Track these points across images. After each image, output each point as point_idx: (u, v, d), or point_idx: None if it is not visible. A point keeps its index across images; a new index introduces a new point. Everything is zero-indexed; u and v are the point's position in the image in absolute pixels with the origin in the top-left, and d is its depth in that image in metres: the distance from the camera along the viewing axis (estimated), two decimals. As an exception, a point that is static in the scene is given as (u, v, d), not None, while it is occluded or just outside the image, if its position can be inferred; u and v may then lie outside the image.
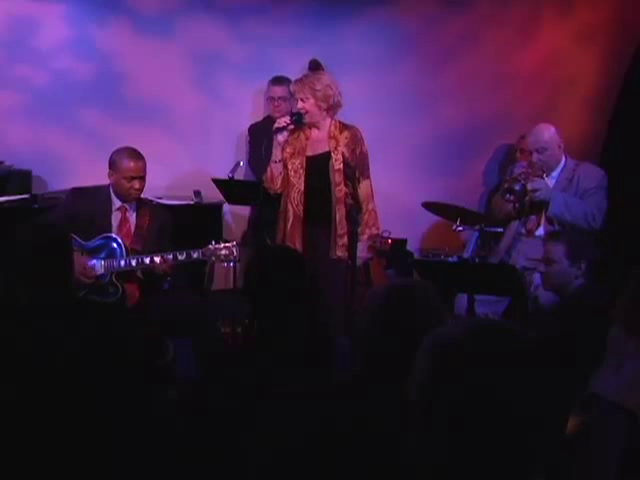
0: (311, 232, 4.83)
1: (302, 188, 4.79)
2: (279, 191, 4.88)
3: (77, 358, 2.38)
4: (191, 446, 2.47)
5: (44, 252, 2.65)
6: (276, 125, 4.84)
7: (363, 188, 4.88)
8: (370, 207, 4.89)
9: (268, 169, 4.92)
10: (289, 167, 4.82)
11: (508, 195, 4.90)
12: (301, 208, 4.80)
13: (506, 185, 4.93)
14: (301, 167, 4.81)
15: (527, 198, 4.88)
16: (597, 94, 6.53)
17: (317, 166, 4.81)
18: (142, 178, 4.60)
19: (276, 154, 4.85)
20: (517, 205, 4.95)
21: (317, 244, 4.82)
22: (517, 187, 4.85)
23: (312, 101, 4.75)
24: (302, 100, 4.76)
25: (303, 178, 4.80)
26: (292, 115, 4.88)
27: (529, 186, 4.84)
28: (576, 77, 6.56)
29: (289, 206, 4.81)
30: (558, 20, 6.51)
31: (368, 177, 4.91)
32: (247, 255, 4.85)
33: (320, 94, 4.75)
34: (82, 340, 2.42)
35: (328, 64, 5.94)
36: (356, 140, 4.85)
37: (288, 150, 4.84)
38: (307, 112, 4.76)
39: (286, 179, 4.84)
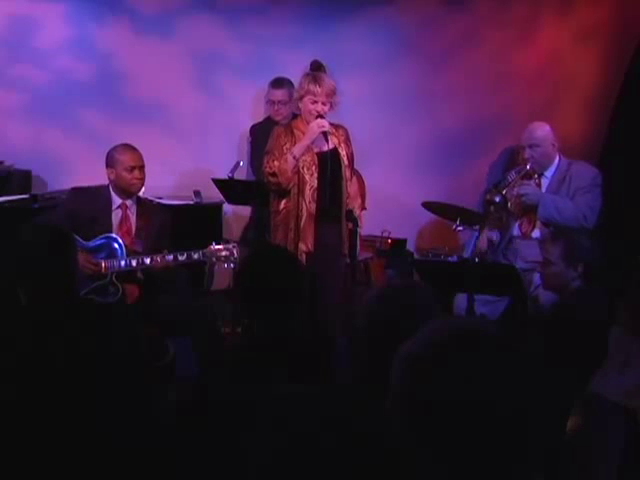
0: (322, 230, 4.79)
1: (315, 184, 4.75)
2: (288, 188, 4.77)
3: (77, 358, 2.38)
4: (191, 446, 2.47)
5: (44, 252, 2.66)
6: (324, 129, 4.69)
7: (353, 185, 5.03)
8: (360, 202, 5.16)
9: (277, 162, 4.75)
10: (300, 164, 4.76)
11: (489, 207, 4.92)
12: (313, 205, 4.75)
13: (487, 197, 4.95)
14: (313, 163, 4.76)
15: (510, 204, 4.92)
16: (597, 94, 6.53)
17: (327, 161, 4.78)
18: (142, 168, 4.62)
19: (299, 151, 4.73)
20: (500, 215, 4.98)
21: (327, 242, 4.80)
22: (497, 199, 4.87)
23: (329, 105, 4.76)
24: (324, 104, 4.72)
25: (316, 174, 4.76)
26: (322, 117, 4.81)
27: (519, 190, 4.87)
28: (576, 77, 6.55)
29: (302, 204, 4.76)
30: (558, 20, 6.51)
31: (354, 174, 5.06)
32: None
33: (335, 98, 4.80)
34: (82, 340, 2.42)
35: (328, 64, 5.94)
36: (349, 138, 4.94)
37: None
38: (325, 114, 4.74)
39: (298, 177, 4.77)
